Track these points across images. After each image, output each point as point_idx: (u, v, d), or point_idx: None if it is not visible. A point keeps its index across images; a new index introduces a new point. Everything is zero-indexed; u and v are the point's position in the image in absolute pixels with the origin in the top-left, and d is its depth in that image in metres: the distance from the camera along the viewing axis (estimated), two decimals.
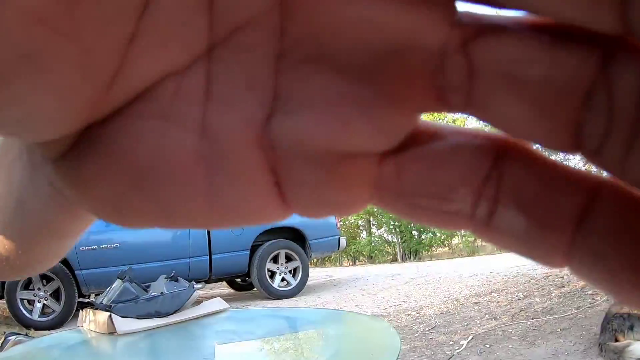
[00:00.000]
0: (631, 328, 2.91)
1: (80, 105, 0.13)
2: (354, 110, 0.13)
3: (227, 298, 3.35)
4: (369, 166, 0.14)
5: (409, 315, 4.72)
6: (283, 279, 6.35)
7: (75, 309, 5.28)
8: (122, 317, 2.57)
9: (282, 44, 0.13)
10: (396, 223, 14.57)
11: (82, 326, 2.72)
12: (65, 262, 5.31)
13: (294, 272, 6.43)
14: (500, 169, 0.13)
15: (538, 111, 0.12)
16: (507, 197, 0.13)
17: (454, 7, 0.12)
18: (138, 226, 0.16)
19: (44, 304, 5.35)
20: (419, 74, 0.13)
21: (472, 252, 13.45)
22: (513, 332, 3.75)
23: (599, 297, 4.06)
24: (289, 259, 6.43)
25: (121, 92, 0.14)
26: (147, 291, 2.95)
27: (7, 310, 5.29)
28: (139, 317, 2.63)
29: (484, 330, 3.87)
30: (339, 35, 0.13)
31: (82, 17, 0.11)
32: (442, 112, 0.13)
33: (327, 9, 0.12)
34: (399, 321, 4.49)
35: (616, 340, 2.92)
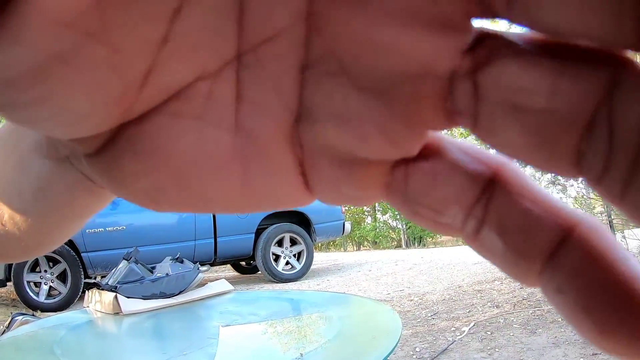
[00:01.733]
0: None
1: (112, 102, 0.14)
2: (371, 128, 0.14)
3: (231, 281, 3.36)
4: (382, 170, 0.15)
5: (411, 300, 4.74)
6: (287, 263, 6.37)
7: (81, 291, 5.30)
8: (128, 297, 2.59)
9: (307, 56, 0.14)
10: None
11: (88, 306, 2.75)
12: (71, 244, 5.35)
13: (298, 255, 6.45)
14: (490, 194, 0.14)
15: (539, 139, 0.12)
16: (492, 221, 0.14)
17: (469, 33, 0.13)
18: (172, 212, 0.17)
19: (50, 286, 5.38)
20: (430, 97, 0.13)
21: None
22: (515, 320, 3.75)
23: None
24: (293, 242, 6.44)
25: (154, 92, 0.14)
26: (152, 272, 2.98)
27: (15, 292, 5.33)
28: (144, 298, 2.66)
29: (485, 318, 3.88)
30: (360, 56, 0.13)
31: (112, 21, 0.12)
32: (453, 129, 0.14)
33: (351, 31, 0.13)
34: (401, 306, 4.51)
35: None
